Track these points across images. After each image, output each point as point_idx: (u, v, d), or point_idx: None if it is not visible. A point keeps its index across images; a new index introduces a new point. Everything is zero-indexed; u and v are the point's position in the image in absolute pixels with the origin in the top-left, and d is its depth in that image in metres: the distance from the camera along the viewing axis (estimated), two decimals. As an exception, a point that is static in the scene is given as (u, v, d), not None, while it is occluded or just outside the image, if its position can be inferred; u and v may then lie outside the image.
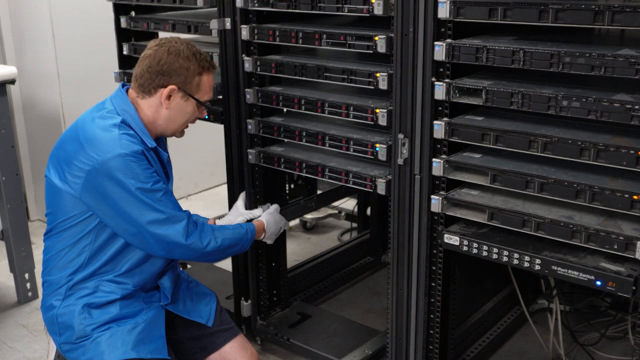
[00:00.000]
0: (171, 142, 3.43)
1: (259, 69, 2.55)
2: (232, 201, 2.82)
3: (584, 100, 1.83)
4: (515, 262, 2.01)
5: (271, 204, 2.64)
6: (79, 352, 1.98)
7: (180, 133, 2.15)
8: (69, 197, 1.96)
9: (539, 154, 1.94)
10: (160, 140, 2.17)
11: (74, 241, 2.01)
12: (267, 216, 2.47)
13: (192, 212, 2.18)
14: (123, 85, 2.09)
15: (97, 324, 1.99)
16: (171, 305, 2.16)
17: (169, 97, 2.01)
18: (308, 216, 4.16)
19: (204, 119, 2.84)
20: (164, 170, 2.12)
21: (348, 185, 2.39)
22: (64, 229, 2.01)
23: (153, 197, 1.93)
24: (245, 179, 2.74)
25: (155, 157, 2.05)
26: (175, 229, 1.96)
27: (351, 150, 2.35)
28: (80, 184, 1.92)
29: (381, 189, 2.27)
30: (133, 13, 3.04)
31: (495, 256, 2.05)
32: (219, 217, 2.63)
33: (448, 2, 1.95)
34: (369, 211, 3.79)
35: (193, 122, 2.16)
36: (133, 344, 1.98)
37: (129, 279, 2.04)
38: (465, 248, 2.11)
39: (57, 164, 1.98)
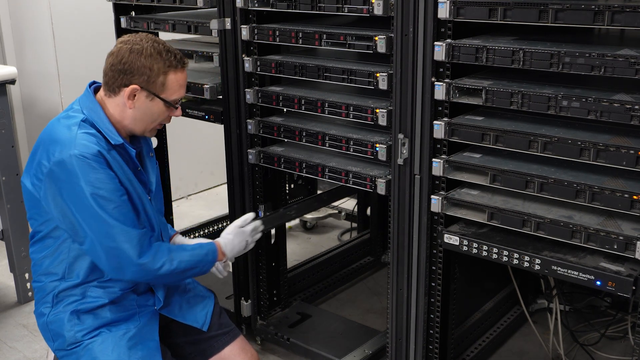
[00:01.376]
0: (171, 142, 3.45)
1: (259, 69, 2.55)
2: (232, 201, 2.83)
3: (584, 100, 1.83)
4: (515, 262, 2.02)
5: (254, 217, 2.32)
6: (73, 358, 1.96)
7: (151, 132, 2.03)
8: (39, 202, 1.93)
9: (538, 154, 1.94)
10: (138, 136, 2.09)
11: (53, 249, 1.98)
12: (226, 237, 2.20)
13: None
14: (92, 84, 2.02)
15: (88, 329, 1.96)
16: (166, 309, 2.12)
17: (133, 96, 1.92)
18: (308, 216, 4.16)
19: (204, 119, 2.84)
20: (138, 168, 2.01)
21: (348, 185, 2.39)
22: (42, 236, 1.99)
23: (106, 206, 1.84)
24: (245, 179, 2.74)
25: (121, 154, 1.95)
26: (126, 246, 1.85)
27: (351, 150, 2.35)
28: (43, 187, 1.88)
29: (381, 189, 2.27)
30: (133, 13, 3.04)
31: (495, 256, 2.05)
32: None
33: (448, 2, 1.95)
34: (369, 211, 3.79)
35: (167, 121, 2.04)
36: (125, 350, 1.94)
37: (115, 283, 1.99)
38: (465, 248, 2.11)
39: (30, 168, 1.94)
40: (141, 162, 2.08)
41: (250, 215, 2.28)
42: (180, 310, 2.15)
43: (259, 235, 2.30)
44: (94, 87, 2.02)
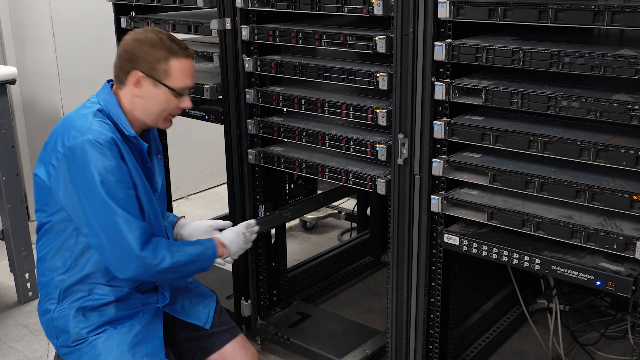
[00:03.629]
0: (171, 142, 3.45)
1: (259, 69, 2.55)
2: (232, 201, 2.83)
3: (583, 100, 1.83)
4: (515, 262, 2.02)
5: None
6: (76, 355, 1.97)
7: (164, 122, 2.04)
8: (49, 191, 1.94)
9: (538, 154, 1.94)
10: (150, 131, 2.12)
11: (60, 242, 1.99)
12: (229, 232, 2.22)
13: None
14: (109, 81, 2.06)
15: (93, 326, 1.97)
16: (169, 307, 2.14)
17: (138, 84, 1.96)
18: (308, 216, 4.16)
19: (204, 119, 2.84)
20: (147, 164, 2.04)
21: (348, 185, 2.39)
22: (49, 227, 2.00)
23: (114, 195, 1.85)
24: (245, 179, 2.75)
25: (135, 149, 1.98)
26: (130, 236, 1.85)
27: (351, 150, 2.35)
28: (54, 174, 1.90)
29: (381, 189, 2.27)
30: (133, 13, 3.04)
31: (495, 256, 2.05)
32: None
33: (448, 2, 1.95)
34: (369, 211, 3.79)
35: (177, 112, 2.04)
36: (129, 347, 1.96)
37: (125, 282, 2.01)
38: (465, 248, 2.11)
39: (43, 158, 1.96)
40: (150, 160, 2.10)
41: (252, 221, 2.29)
42: (183, 309, 2.17)
43: (254, 236, 2.28)
44: (111, 84, 2.06)
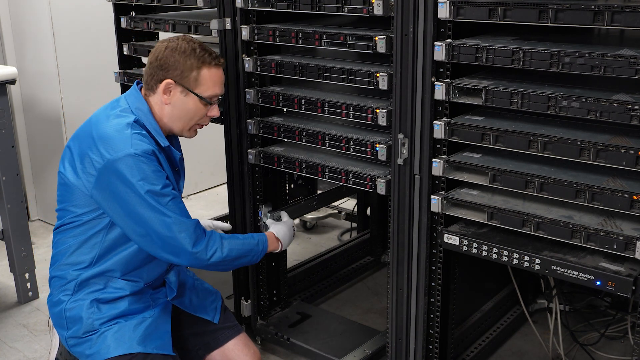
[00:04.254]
0: (171, 142, 3.45)
1: (259, 69, 2.55)
2: (232, 201, 2.83)
3: (583, 100, 1.83)
4: (515, 262, 2.02)
5: (279, 212, 2.62)
6: (85, 346, 1.99)
7: (189, 132, 2.11)
8: (81, 194, 1.97)
9: (538, 154, 1.94)
10: (174, 137, 2.16)
11: (83, 238, 2.01)
12: (276, 227, 2.39)
13: (191, 212, 2.18)
14: (137, 84, 2.09)
15: (105, 318, 2.00)
16: (178, 300, 2.17)
17: (168, 92, 2.00)
18: (308, 216, 4.16)
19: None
20: (176, 169, 2.11)
21: (348, 185, 2.39)
22: (75, 225, 2.02)
23: (162, 201, 1.91)
24: (245, 179, 2.75)
25: (166, 156, 2.04)
26: (182, 236, 1.93)
27: (351, 150, 2.35)
28: (92, 182, 1.93)
29: (381, 189, 2.27)
30: (133, 13, 3.04)
31: (494, 256, 2.05)
32: None
33: (448, 2, 1.95)
34: (368, 211, 3.79)
35: (205, 122, 2.12)
36: (139, 339, 1.99)
37: (139, 277, 2.06)
38: (465, 248, 2.12)
39: (71, 160, 1.99)
40: (177, 164, 2.15)
41: (284, 212, 2.58)
42: (191, 303, 2.21)
43: None
44: (140, 87, 2.08)
